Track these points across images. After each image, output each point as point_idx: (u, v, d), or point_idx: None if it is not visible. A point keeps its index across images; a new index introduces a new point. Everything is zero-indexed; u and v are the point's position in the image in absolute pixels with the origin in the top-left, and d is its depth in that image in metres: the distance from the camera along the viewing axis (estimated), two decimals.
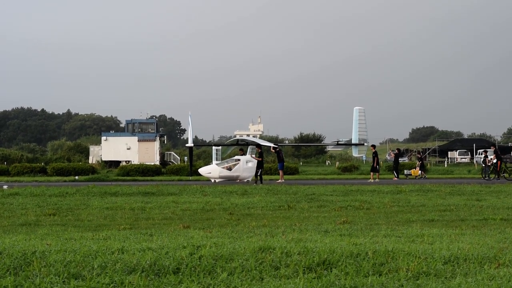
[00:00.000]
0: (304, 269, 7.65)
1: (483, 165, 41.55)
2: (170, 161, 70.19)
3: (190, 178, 39.68)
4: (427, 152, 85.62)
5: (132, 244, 9.46)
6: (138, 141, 69.10)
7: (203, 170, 36.15)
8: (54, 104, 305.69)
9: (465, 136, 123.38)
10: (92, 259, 7.92)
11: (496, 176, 38.57)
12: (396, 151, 46.63)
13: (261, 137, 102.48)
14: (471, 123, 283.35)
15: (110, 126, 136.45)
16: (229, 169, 35.29)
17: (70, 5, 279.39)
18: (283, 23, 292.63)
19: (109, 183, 35.03)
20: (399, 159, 48.97)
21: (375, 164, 38.62)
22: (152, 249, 8.68)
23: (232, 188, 25.46)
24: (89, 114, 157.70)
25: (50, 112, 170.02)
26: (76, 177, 44.88)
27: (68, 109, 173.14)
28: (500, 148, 58.33)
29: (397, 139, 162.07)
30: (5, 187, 27.98)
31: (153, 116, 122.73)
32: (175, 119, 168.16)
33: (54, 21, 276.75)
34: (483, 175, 40.18)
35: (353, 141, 41.44)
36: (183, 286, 6.94)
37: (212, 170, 35.58)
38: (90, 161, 70.83)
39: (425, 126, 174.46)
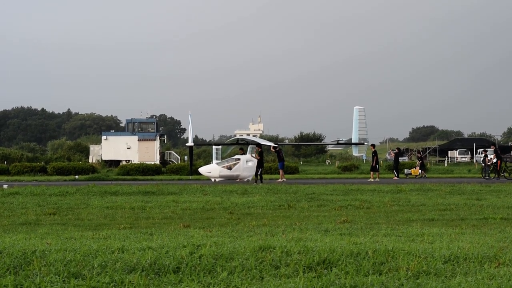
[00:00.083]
0: (304, 268, 7.65)
1: (483, 165, 41.56)
2: (170, 161, 70.17)
3: (190, 177, 39.68)
4: (427, 152, 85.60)
5: (132, 243, 9.46)
6: (138, 140, 69.08)
7: (203, 170, 36.14)
8: (54, 103, 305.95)
9: (465, 136, 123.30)
10: (92, 258, 7.92)
11: (496, 176, 38.58)
12: (396, 150, 46.63)
13: (261, 137, 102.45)
14: (471, 122, 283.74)
15: (110, 125, 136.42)
16: (229, 168, 35.28)
17: (70, 5, 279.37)
18: (283, 23, 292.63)
19: (109, 182, 35.03)
20: (399, 159, 48.97)
21: (374, 164, 38.62)
22: (152, 248, 8.68)
23: (232, 187, 25.47)
24: (89, 113, 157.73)
25: (50, 112, 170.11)
26: (76, 176, 44.87)
27: (68, 109, 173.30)
28: (500, 147, 58.32)
29: (397, 139, 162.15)
30: (5, 186, 27.98)
31: (153, 115, 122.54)
32: (175, 118, 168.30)
33: (54, 21, 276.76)
34: (483, 175, 40.19)
35: (353, 141, 41.43)
36: (183, 285, 6.95)
37: (212, 170, 35.57)
38: (90, 161, 70.80)
39: (425, 126, 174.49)
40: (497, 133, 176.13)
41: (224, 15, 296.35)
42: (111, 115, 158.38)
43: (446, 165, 69.87)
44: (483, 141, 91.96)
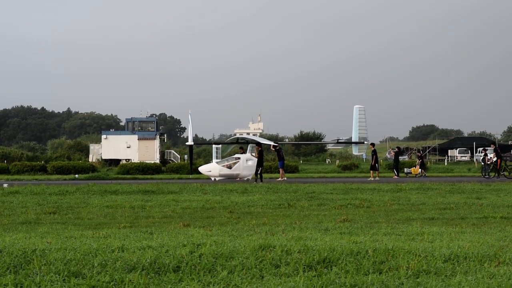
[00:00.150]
0: (304, 267, 7.65)
1: (483, 164, 41.54)
2: (170, 160, 70.20)
3: (190, 176, 39.67)
4: (427, 151, 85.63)
5: (132, 242, 9.46)
6: (138, 139, 69.09)
7: (203, 169, 36.15)
8: (54, 103, 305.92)
9: (465, 135, 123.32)
10: (92, 257, 7.92)
11: (496, 175, 38.59)
12: (396, 149, 46.65)
13: (261, 136, 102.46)
14: (471, 121, 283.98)
15: (110, 124, 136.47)
16: (229, 167, 35.29)
17: (70, 5, 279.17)
18: (283, 23, 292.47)
19: (109, 181, 35.03)
20: (399, 158, 48.98)
21: (373, 163, 38.63)
22: (152, 247, 8.68)
23: (232, 186, 25.47)
24: (89, 112, 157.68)
25: (50, 111, 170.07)
26: (76, 175, 44.87)
27: (68, 108, 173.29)
28: (500, 146, 58.33)
29: (397, 138, 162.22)
30: (5, 185, 27.98)
31: (153, 114, 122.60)
32: (175, 117, 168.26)
33: (54, 21, 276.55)
34: (483, 174, 40.20)
35: (353, 140, 41.43)
36: (183, 284, 6.94)
37: (212, 169, 35.58)
38: (90, 160, 70.82)
39: (425, 125, 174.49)
40: (497, 132, 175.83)
41: (224, 15, 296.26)
42: (111, 114, 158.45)
43: (446, 164, 69.89)
44: (483, 140, 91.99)
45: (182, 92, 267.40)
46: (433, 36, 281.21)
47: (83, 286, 6.81)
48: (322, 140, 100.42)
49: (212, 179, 35.20)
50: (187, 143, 40.03)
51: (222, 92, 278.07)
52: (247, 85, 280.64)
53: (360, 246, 8.80)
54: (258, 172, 33.79)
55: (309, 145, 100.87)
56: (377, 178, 37.78)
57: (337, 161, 68.21)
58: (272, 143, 38.14)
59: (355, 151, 42.94)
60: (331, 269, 7.55)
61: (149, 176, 44.58)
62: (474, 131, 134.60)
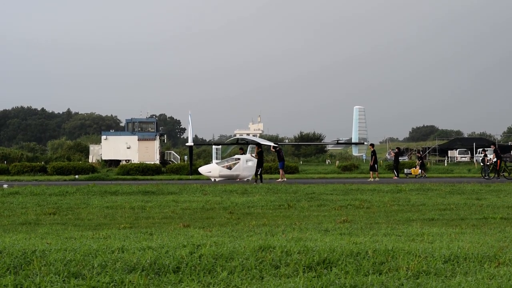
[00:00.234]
0: (304, 268, 7.65)
1: (482, 164, 41.53)
2: (170, 160, 70.18)
3: (190, 177, 39.67)
4: (427, 151, 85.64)
5: (132, 243, 9.46)
6: (138, 140, 69.10)
7: (203, 169, 36.15)
8: (54, 103, 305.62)
9: (465, 135, 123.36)
10: (92, 258, 7.92)
11: (496, 175, 38.59)
12: (396, 150, 46.65)
13: (261, 136, 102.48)
14: (471, 122, 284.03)
15: (110, 125, 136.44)
16: (229, 168, 35.29)
17: (70, 5, 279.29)
18: (283, 23, 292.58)
19: (109, 182, 35.04)
20: (399, 158, 48.99)
21: (372, 163, 38.63)
22: (152, 248, 8.68)
23: (232, 187, 25.47)
24: (89, 113, 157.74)
25: (50, 111, 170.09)
26: (76, 176, 44.87)
27: (68, 108, 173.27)
28: (500, 147, 58.35)
29: (397, 138, 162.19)
30: (5, 186, 27.98)
31: (153, 115, 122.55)
32: (175, 118, 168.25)
33: (54, 21, 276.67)
34: (483, 174, 40.20)
35: (353, 140, 41.43)
36: (183, 285, 6.95)
37: (212, 169, 35.58)
38: (90, 160, 70.85)
39: (425, 125, 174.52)
40: (497, 132, 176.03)
41: (224, 15, 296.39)
42: (111, 115, 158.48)
43: (446, 164, 69.89)
44: (483, 141, 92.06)
45: (182, 93, 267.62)
46: (433, 36, 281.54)
47: (83, 287, 6.81)
48: (322, 141, 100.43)
49: (212, 179, 35.20)
50: (187, 144, 40.02)
51: (222, 92, 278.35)
52: (247, 85, 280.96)
53: (360, 247, 8.80)
54: (258, 173, 33.78)
55: (309, 146, 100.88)
56: (377, 178, 37.78)
57: (337, 162, 68.21)
58: (272, 144, 38.14)
59: (355, 151, 42.94)
60: (331, 270, 7.56)
61: (149, 177, 44.58)
62: (474, 132, 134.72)
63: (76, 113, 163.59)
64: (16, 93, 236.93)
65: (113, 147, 68.88)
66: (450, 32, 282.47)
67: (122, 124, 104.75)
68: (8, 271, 7.38)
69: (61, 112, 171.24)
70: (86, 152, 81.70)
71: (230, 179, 35.07)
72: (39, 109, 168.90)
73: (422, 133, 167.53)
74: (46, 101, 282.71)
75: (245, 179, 35.16)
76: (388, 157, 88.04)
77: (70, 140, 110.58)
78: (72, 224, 14.08)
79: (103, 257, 7.94)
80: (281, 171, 37.05)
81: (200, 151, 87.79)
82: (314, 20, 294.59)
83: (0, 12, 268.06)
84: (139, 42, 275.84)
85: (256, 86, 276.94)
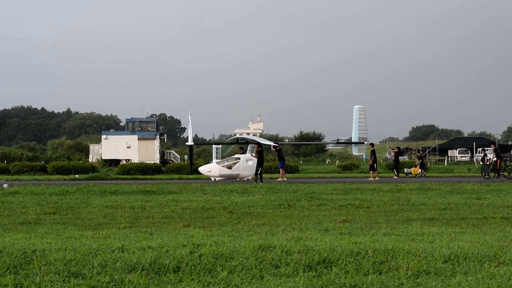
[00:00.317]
0: (304, 268, 7.65)
1: (482, 164, 41.53)
2: (170, 160, 70.18)
3: (190, 176, 39.67)
4: (427, 151, 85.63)
5: (132, 242, 9.46)
6: (138, 139, 69.09)
7: (203, 169, 36.15)
8: (54, 103, 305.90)
9: (465, 135, 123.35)
10: (92, 258, 7.92)
11: (496, 175, 38.59)
12: (396, 149, 46.64)
13: (261, 136, 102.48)
14: (471, 121, 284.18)
15: (110, 124, 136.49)
16: (229, 167, 35.29)
17: (70, 5, 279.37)
18: (283, 23, 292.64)
19: (109, 181, 35.03)
20: (399, 158, 48.98)
21: (371, 163, 38.63)
22: (152, 248, 8.68)
23: (232, 186, 25.46)
24: (89, 112, 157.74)
25: (50, 111, 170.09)
26: (76, 175, 44.86)
27: (68, 108, 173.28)
28: (500, 146, 58.34)
29: (397, 138, 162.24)
30: (5, 185, 27.98)
31: (153, 114, 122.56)
32: (175, 117, 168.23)
33: (54, 21, 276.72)
34: (483, 174, 40.20)
35: (353, 140, 41.43)
36: (183, 285, 6.95)
37: (212, 169, 35.58)
38: (90, 160, 70.84)
39: (425, 125, 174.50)
40: (497, 132, 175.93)
41: (224, 15, 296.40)
42: (111, 114, 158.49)
43: (446, 164, 69.87)
44: (483, 140, 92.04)
45: (182, 92, 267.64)
46: (433, 36, 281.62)
47: (83, 287, 6.82)
48: (322, 140, 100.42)
49: (212, 179, 35.21)
50: (187, 143, 40.02)
51: (222, 92, 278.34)
52: (247, 85, 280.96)
53: (360, 246, 8.80)
54: (258, 172, 33.78)
55: (309, 145, 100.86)
56: (377, 178, 37.77)
57: (337, 161, 68.19)
58: (272, 143, 38.14)
59: (355, 151, 42.94)
60: (331, 270, 7.56)
61: (149, 177, 44.58)
62: (474, 131, 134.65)
63: (76, 113, 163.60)
64: (16, 93, 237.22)
65: (113, 147, 68.87)
66: (450, 32, 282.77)
67: (122, 124, 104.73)
68: (8, 271, 7.38)
69: (61, 112, 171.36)
70: (86, 151, 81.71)
71: (230, 179, 35.07)
72: (39, 108, 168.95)
73: (422, 132, 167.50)
74: (46, 101, 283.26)
75: (245, 179, 35.16)
76: (388, 156, 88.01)
77: (70, 139, 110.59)
78: (72, 224, 14.08)
79: (103, 257, 7.94)
80: (281, 170, 37.05)
81: (200, 151, 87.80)
82: (314, 20, 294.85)
83: (0, 12, 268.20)
84: (139, 42, 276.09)
85: (256, 86, 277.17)
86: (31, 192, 22.92)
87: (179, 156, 72.45)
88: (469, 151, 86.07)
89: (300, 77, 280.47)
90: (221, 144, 46.78)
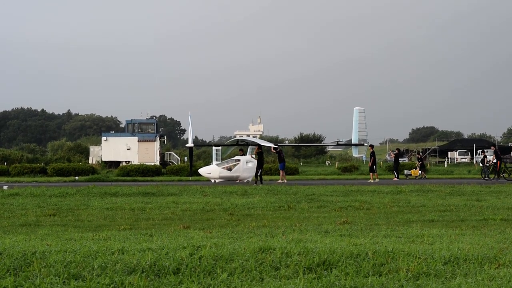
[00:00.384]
0: (304, 270, 7.65)
1: (482, 165, 41.52)
2: (170, 162, 70.19)
3: (190, 178, 39.66)
4: (427, 152, 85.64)
5: (132, 244, 9.46)
6: (138, 141, 69.12)
7: (203, 171, 36.14)
8: (54, 104, 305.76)
9: (465, 136, 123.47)
10: (92, 260, 7.92)
11: (496, 176, 38.58)
12: (396, 151, 46.62)
13: (261, 137, 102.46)
14: (471, 123, 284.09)
15: (110, 126, 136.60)
16: (229, 169, 35.29)
17: (70, 6, 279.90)
18: (284, 25, 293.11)
19: (109, 183, 35.02)
20: (399, 159, 48.97)
21: (370, 164, 38.61)
22: (152, 250, 8.68)
23: (232, 188, 25.45)
24: (89, 114, 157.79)
25: (50, 113, 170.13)
26: (76, 177, 44.86)
27: (68, 110, 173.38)
28: (500, 148, 58.35)
29: (397, 139, 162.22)
30: (5, 187, 27.97)
31: (153, 116, 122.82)
32: (175, 119, 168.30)
33: (55, 22, 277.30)
34: (483, 175, 40.19)
35: (353, 141, 41.46)
36: (183, 287, 6.95)
37: (212, 171, 35.58)
38: (90, 162, 70.83)
39: (425, 127, 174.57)
40: (497, 134, 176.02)
41: (224, 16, 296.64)
42: (111, 116, 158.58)
43: (446, 166, 69.87)
44: (483, 142, 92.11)
45: (182, 93, 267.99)
46: (433, 38, 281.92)
47: None
48: (322, 142, 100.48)
49: (212, 181, 35.20)
50: (187, 145, 40.00)
51: (222, 93, 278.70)
52: (247, 86, 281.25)
53: (360, 248, 8.80)
54: (258, 174, 33.78)
55: (309, 147, 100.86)
56: (377, 180, 37.77)
57: (337, 163, 68.19)
58: (272, 145, 38.14)
59: (355, 153, 43.03)
60: (331, 272, 7.56)
61: (149, 178, 44.57)
62: (474, 133, 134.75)
63: (76, 114, 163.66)
64: (16, 94, 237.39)
65: (113, 148, 68.90)
66: (450, 34, 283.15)
67: (122, 125, 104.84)
68: (8, 273, 7.38)
69: (61, 113, 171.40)
70: (86, 153, 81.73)
71: (230, 181, 35.07)
72: (39, 110, 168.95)
73: (422, 134, 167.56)
74: (46, 102, 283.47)
75: (245, 180, 35.15)
76: (388, 158, 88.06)
77: (70, 141, 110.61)
78: (72, 226, 14.08)
79: (103, 259, 7.94)
80: (281, 172, 37.05)
81: (200, 152, 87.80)
82: (314, 22, 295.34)
83: (1, 13, 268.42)
84: (139, 44, 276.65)
85: (256, 88, 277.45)
86: (31, 194, 22.92)
87: (179, 158, 72.47)
88: (469, 153, 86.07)
89: (300, 79, 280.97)
90: (221, 146, 46.79)
